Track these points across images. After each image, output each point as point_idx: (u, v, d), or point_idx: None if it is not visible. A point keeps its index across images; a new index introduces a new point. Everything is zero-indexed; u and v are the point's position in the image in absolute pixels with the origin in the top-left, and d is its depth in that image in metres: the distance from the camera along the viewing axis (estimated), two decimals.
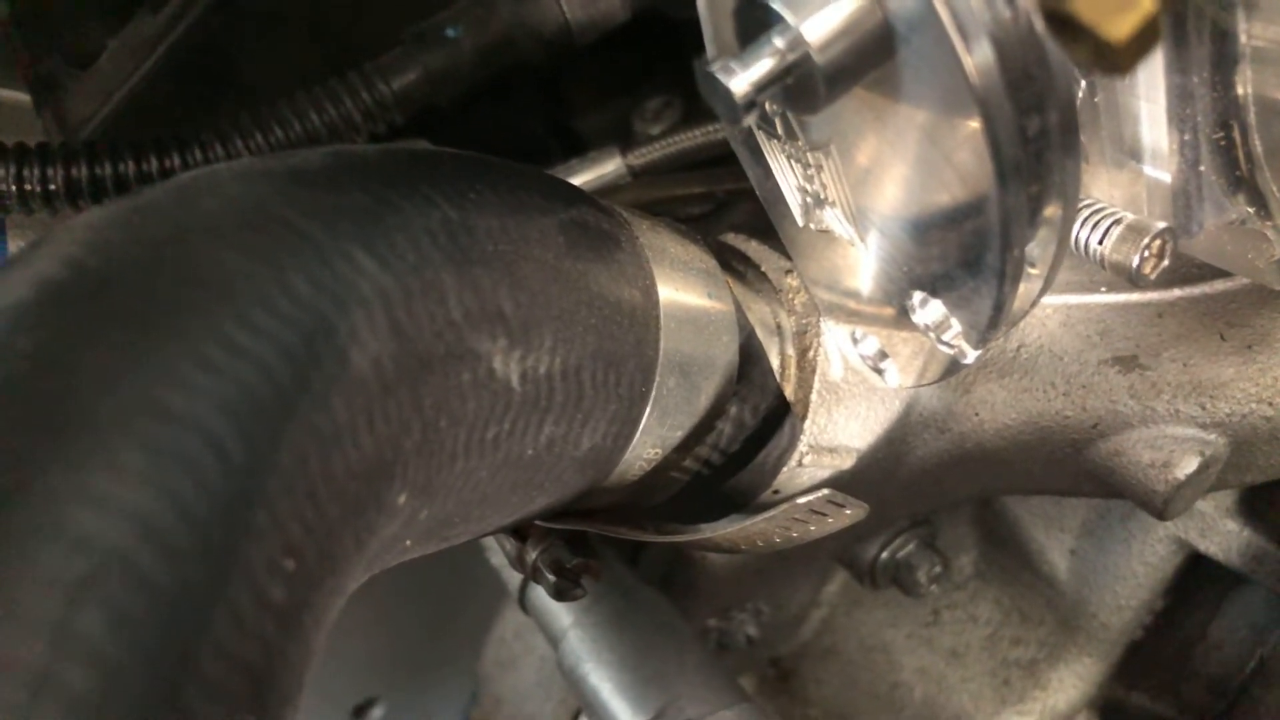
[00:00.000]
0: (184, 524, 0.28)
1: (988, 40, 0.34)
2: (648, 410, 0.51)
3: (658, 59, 0.97)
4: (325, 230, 0.36)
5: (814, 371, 0.59)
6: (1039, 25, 0.34)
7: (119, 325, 0.31)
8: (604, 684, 0.64)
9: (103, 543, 0.27)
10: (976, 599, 0.86)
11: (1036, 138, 0.39)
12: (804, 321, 0.60)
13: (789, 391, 0.59)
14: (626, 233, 0.52)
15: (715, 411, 0.55)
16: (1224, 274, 0.62)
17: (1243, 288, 0.63)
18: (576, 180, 0.87)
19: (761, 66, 0.36)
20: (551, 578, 0.55)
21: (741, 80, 0.36)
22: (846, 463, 0.62)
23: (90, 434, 0.29)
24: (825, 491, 0.50)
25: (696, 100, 0.95)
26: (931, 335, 0.49)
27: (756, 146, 0.53)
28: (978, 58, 0.34)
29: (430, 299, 0.39)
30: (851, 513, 0.51)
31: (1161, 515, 0.62)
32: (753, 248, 0.63)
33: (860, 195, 0.47)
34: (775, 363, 0.59)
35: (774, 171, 0.53)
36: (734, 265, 0.63)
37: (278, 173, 0.39)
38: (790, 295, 0.61)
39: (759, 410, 0.57)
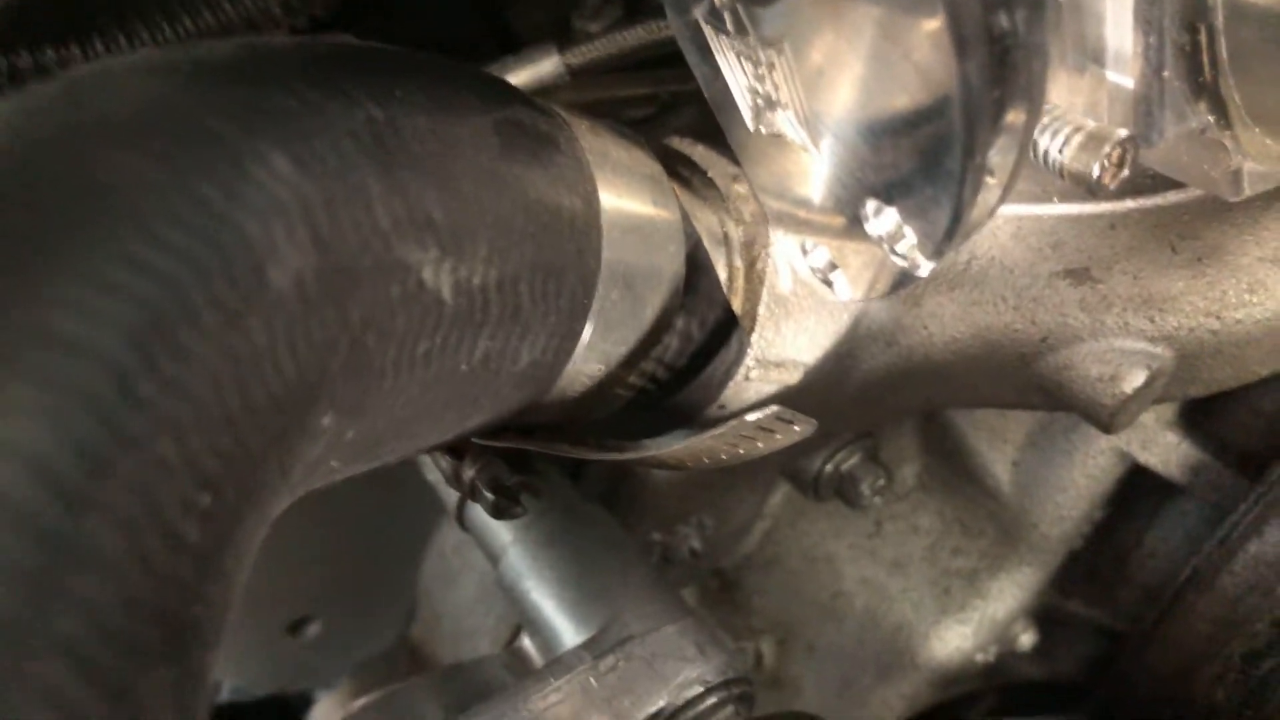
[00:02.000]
0: (82, 463, 0.26)
1: None
2: (589, 324, 0.49)
3: None
4: (237, 131, 0.33)
5: (762, 284, 0.57)
6: None
7: (4, 244, 0.28)
8: (546, 600, 0.63)
9: None
10: (918, 510, 0.86)
11: (1002, 36, 0.36)
12: (752, 231, 0.58)
13: (736, 304, 0.57)
14: (566, 134, 0.49)
15: (661, 325, 0.53)
16: (1176, 185, 0.61)
17: (1194, 199, 0.61)
18: (511, 78, 0.83)
19: None
20: (490, 496, 0.53)
21: None
22: (794, 377, 0.60)
23: None
24: (774, 409, 0.48)
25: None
26: (885, 246, 0.47)
27: (704, 44, 0.50)
28: None
29: (355, 206, 0.36)
30: (800, 429, 0.49)
31: (1108, 429, 0.61)
32: (699, 152, 0.60)
33: (814, 97, 0.45)
34: (722, 274, 0.57)
35: (723, 71, 0.50)
36: (679, 171, 0.60)
37: (181, 66, 0.35)
38: (738, 203, 0.58)
39: (706, 324, 0.55)
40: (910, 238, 0.46)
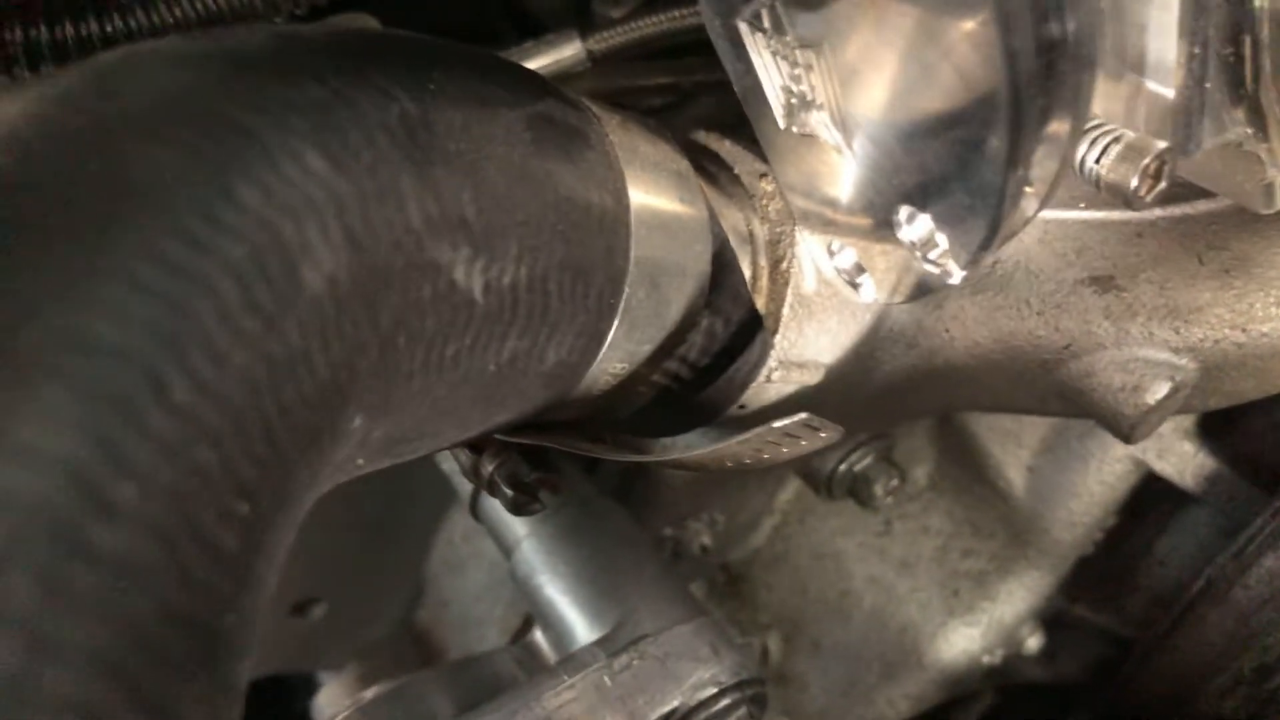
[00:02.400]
0: (120, 474, 0.25)
1: None
2: (616, 323, 0.48)
3: None
4: (272, 127, 0.32)
5: (786, 284, 0.57)
6: None
7: (39, 242, 0.27)
8: (559, 596, 0.62)
9: (27, 499, 0.24)
10: (929, 510, 0.86)
11: (1052, 46, 0.36)
12: (778, 230, 0.57)
13: (760, 304, 0.56)
14: (596, 129, 0.48)
15: (686, 325, 0.52)
16: (1205, 194, 0.60)
17: (1224, 209, 0.61)
18: (532, 64, 0.82)
19: None
20: (509, 492, 0.53)
21: None
22: (814, 378, 0.60)
23: (8, 372, 0.25)
24: (803, 416, 0.48)
25: None
26: (916, 253, 0.47)
27: (738, 39, 0.49)
28: None
29: (388, 205, 0.35)
30: (826, 435, 0.49)
31: (1128, 439, 0.61)
32: (726, 148, 0.60)
33: (850, 98, 0.44)
34: (747, 273, 0.56)
35: (756, 68, 0.49)
36: (705, 166, 0.59)
37: (213, 57, 0.35)
38: (764, 201, 0.58)
39: (730, 324, 0.55)
40: (943, 245, 0.45)
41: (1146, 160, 0.45)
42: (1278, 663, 0.66)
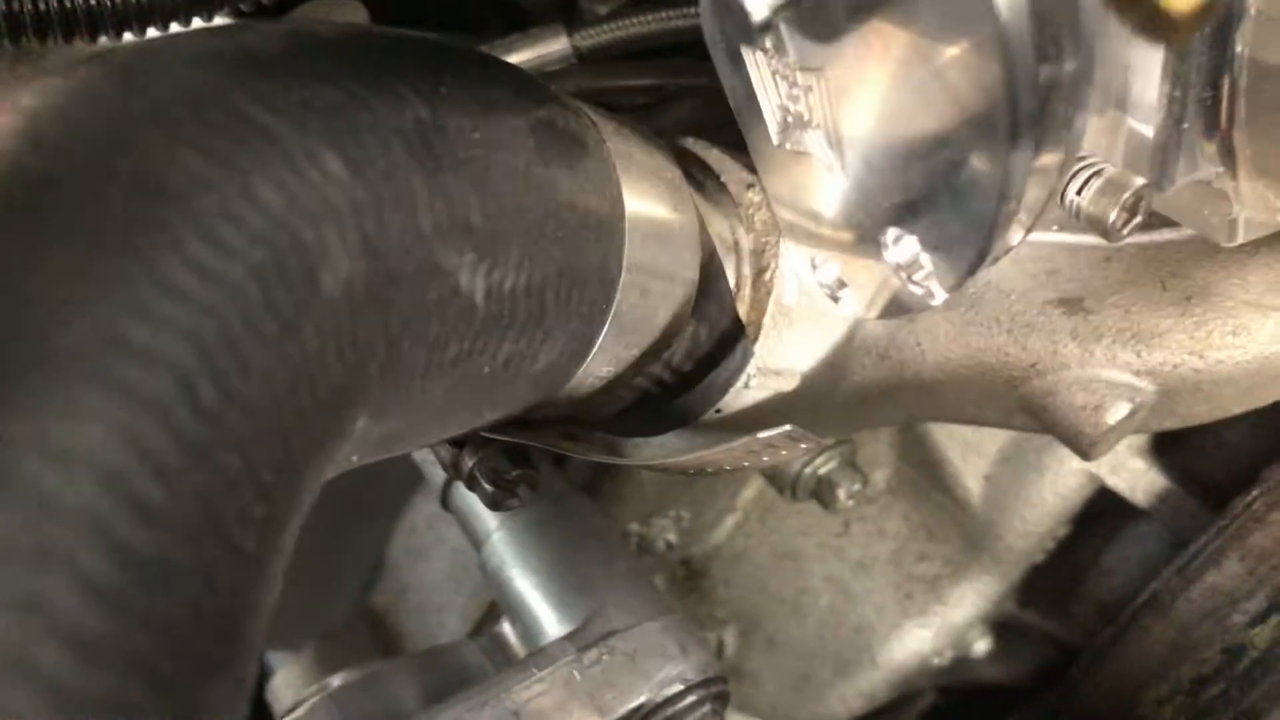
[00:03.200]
0: (153, 477, 0.25)
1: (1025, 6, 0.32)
2: (605, 327, 0.49)
3: None
4: (292, 129, 0.33)
5: (769, 294, 0.58)
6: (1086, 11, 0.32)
7: (70, 241, 0.27)
8: (529, 589, 0.63)
9: (67, 501, 0.24)
10: (886, 514, 0.88)
11: (1050, 86, 0.37)
12: (763, 240, 0.58)
13: (742, 312, 0.57)
14: (594, 136, 0.49)
15: (672, 330, 0.53)
16: (1171, 224, 0.62)
17: (1187, 239, 0.63)
18: (517, 58, 0.82)
19: None
20: (489, 487, 0.54)
21: (760, 1, 0.33)
22: (790, 385, 0.61)
23: (46, 375, 0.25)
24: (787, 428, 0.49)
25: None
26: (901, 274, 0.48)
27: (737, 53, 0.50)
28: (1011, 19, 0.33)
29: (401, 210, 0.36)
30: (806, 446, 0.50)
31: (1086, 456, 0.63)
32: (714, 156, 0.61)
33: (848, 121, 0.45)
34: (731, 281, 0.58)
35: (754, 84, 0.50)
36: (694, 173, 0.60)
37: (233, 56, 0.35)
38: (750, 211, 0.59)
39: (713, 331, 0.56)
40: (928, 268, 0.47)
41: (1125, 195, 0.46)
42: (1214, 674, 0.69)
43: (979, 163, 0.40)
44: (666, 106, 0.87)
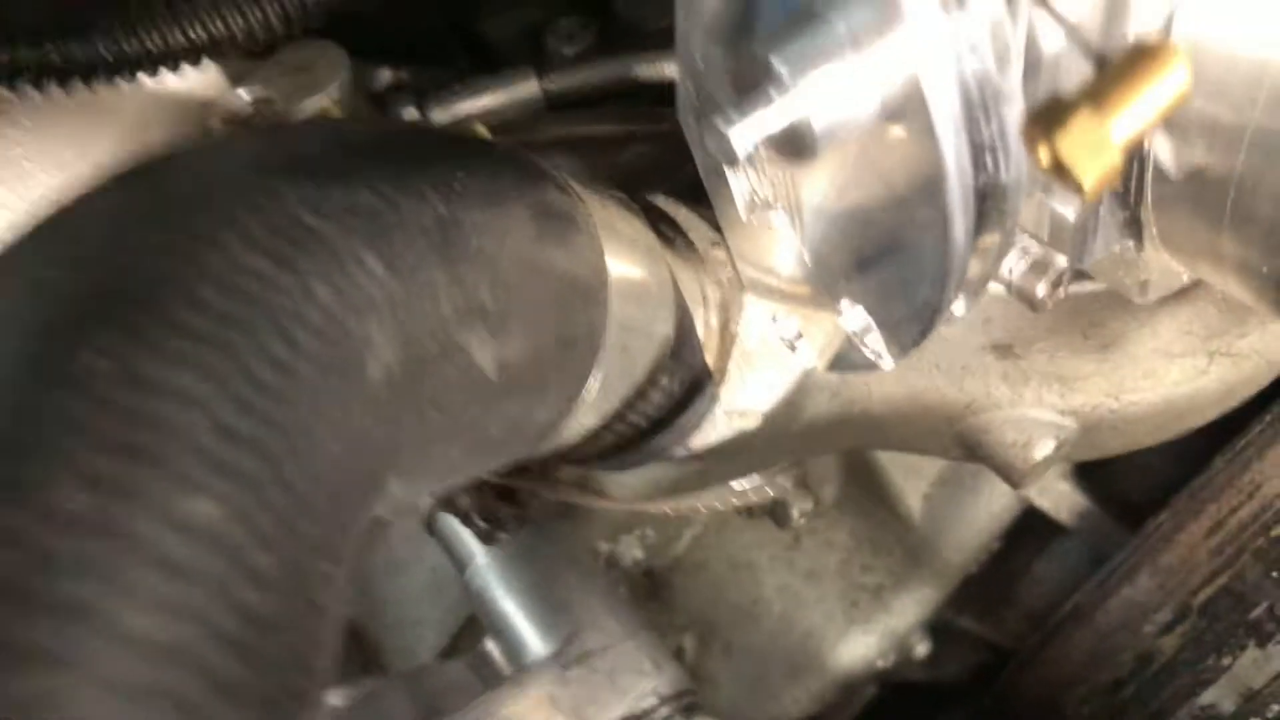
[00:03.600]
0: (260, 545, 0.29)
1: (965, 137, 0.38)
2: (592, 385, 0.55)
3: None
4: (338, 232, 0.37)
5: (733, 342, 0.64)
6: (1015, 140, 0.38)
7: (175, 338, 0.32)
8: (513, 610, 0.68)
9: (198, 568, 0.29)
10: (834, 527, 0.95)
11: (987, 194, 0.43)
12: (728, 294, 0.64)
13: (710, 360, 0.63)
14: (582, 212, 0.54)
15: (649, 381, 0.59)
16: (1090, 276, 0.70)
17: (1105, 291, 0.70)
18: (490, 99, 0.86)
19: (762, 120, 0.39)
20: (483, 525, 0.59)
21: (743, 133, 0.39)
22: (752, 424, 0.67)
23: (149, 465, 0.29)
24: (759, 482, 0.55)
25: (609, 22, 0.95)
26: (855, 338, 0.54)
27: (697, 122, 0.56)
28: (952, 149, 0.39)
29: (426, 299, 0.41)
30: (772, 493, 0.56)
31: (1017, 486, 0.70)
32: (683, 215, 0.66)
33: (810, 209, 0.51)
34: (700, 332, 0.63)
35: (723, 168, 0.56)
36: (664, 231, 0.66)
37: (280, 161, 0.39)
38: (716, 267, 0.65)
39: (685, 379, 0.61)
40: (877, 337, 0.53)
41: (1051, 274, 0.53)
42: (1128, 677, 0.77)
43: (924, 250, 0.46)
44: (629, 145, 0.92)
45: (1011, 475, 0.70)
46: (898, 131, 0.41)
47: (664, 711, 0.63)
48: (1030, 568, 0.91)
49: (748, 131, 0.39)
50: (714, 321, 0.64)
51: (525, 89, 0.86)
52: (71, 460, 0.29)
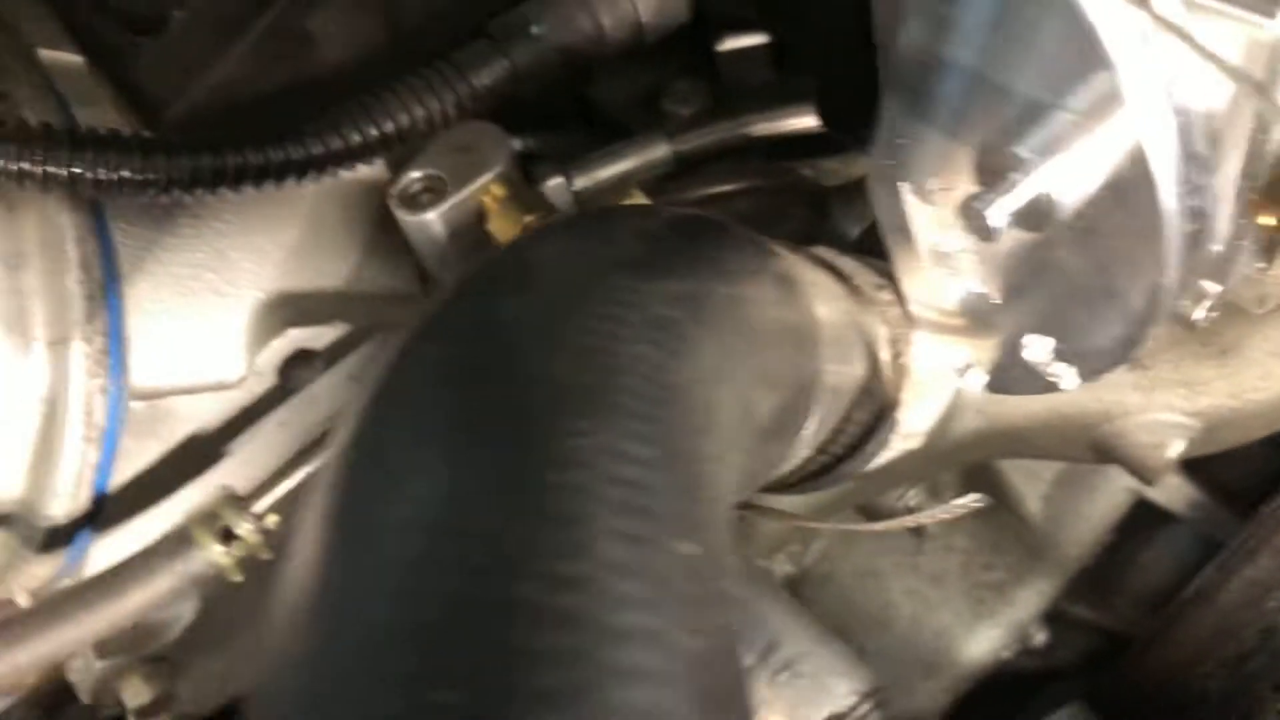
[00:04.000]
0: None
1: (1182, 198, 0.46)
2: (811, 423, 0.62)
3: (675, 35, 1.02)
4: (689, 319, 0.45)
5: (905, 375, 0.72)
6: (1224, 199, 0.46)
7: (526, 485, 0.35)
8: None
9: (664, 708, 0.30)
10: (953, 532, 1.03)
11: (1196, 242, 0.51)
12: (898, 331, 0.72)
13: (888, 393, 0.71)
14: (795, 272, 0.62)
15: (846, 418, 0.67)
16: None
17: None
18: (625, 165, 0.94)
19: (1011, 201, 0.47)
20: None
21: (997, 214, 0.47)
22: (916, 444, 0.75)
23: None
24: (974, 499, 0.63)
25: (718, 82, 1.03)
26: (1038, 369, 0.62)
27: (894, 193, 0.63)
28: (1173, 209, 0.47)
29: (736, 365, 0.48)
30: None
31: (1150, 483, 0.78)
32: (846, 263, 0.74)
33: (1013, 264, 0.59)
34: (877, 366, 0.71)
35: (909, 221, 0.63)
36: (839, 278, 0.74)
37: (624, 258, 0.46)
38: (885, 308, 0.72)
39: (873, 411, 0.69)
40: (1064, 363, 0.61)
41: (1206, 301, 0.61)
42: (1253, 651, 0.85)
43: (1132, 294, 0.53)
44: (734, 199, 1.00)
45: (1145, 474, 0.78)
46: (1120, 194, 0.49)
47: (864, 708, 0.71)
48: (1139, 555, 0.99)
49: (1000, 212, 0.47)
50: (887, 356, 0.72)
51: (657, 151, 0.93)
52: None
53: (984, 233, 0.47)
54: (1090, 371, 0.59)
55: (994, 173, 0.48)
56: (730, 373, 0.47)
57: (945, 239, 0.61)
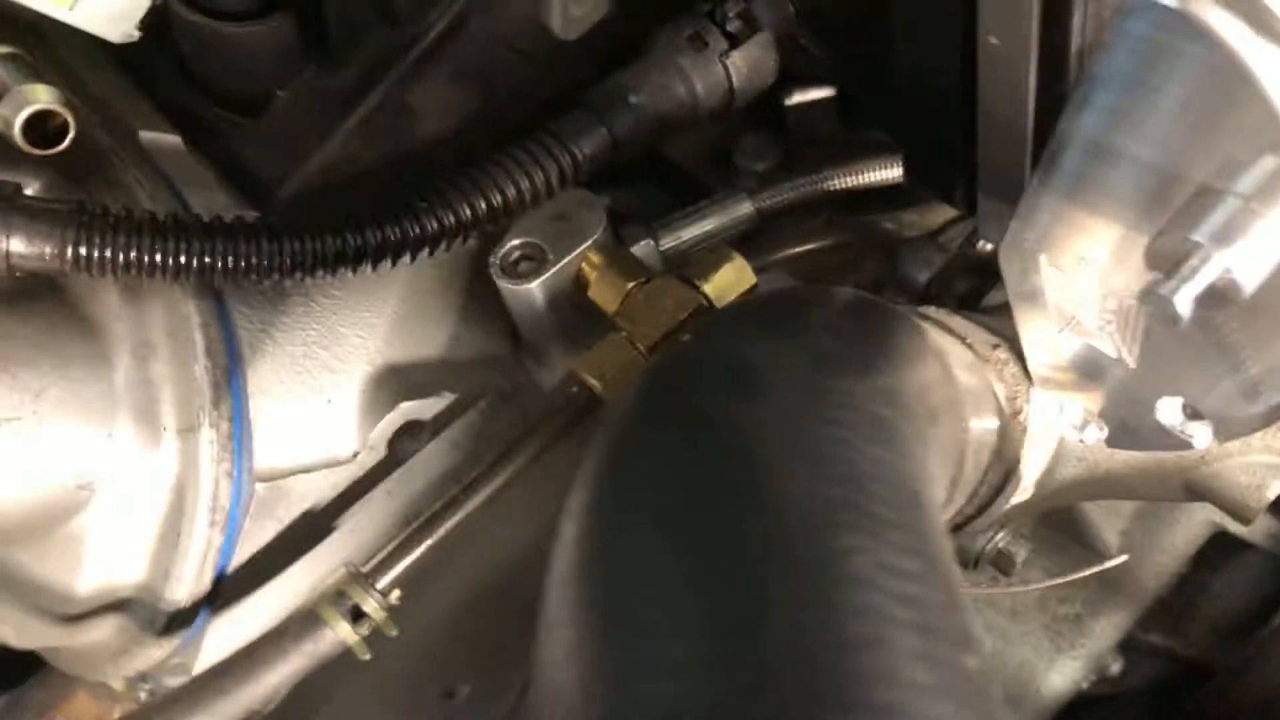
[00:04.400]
0: None
1: None
2: (959, 488, 0.65)
3: None
4: (901, 420, 0.47)
5: (1024, 431, 0.74)
6: None
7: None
8: None
9: None
10: (1028, 567, 1.05)
11: None
12: (1014, 388, 0.74)
13: (1013, 450, 0.73)
14: (938, 342, 0.64)
15: (981, 478, 0.69)
16: None
17: None
18: (709, 225, 0.95)
19: (1200, 284, 0.49)
20: None
21: (1184, 299, 0.49)
22: (1028, 495, 0.78)
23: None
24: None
25: (786, 135, 1.04)
26: (1173, 431, 0.65)
27: (1033, 261, 0.65)
28: None
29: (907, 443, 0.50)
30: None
31: (1247, 522, 0.81)
32: (958, 323, 0.76)
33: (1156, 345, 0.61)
34: (995, 423, 0.73)
35: (1043, 290, 0.66)
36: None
37: (830, 367, 0.48)
38: (1000, 366, 0.75)
39: (1003, 471, 0.71)
40: (1197, 424, 0.64)
41: None
42: None
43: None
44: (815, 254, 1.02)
45: (1242, 514, 0.81)
46: None
47: None
48: (1211, 583, 1.02)
49: (1185, 299, 0.49)
50: (1006, 412, 0.74)
51: (741, 210, 0.95)
52: None
53: (1172, 320, 0.49)
54: (1230, 433, 0.62)
55: (1167, 257, 0.50)
56: (934, 464, 0.49)
57: (1081, 308, 0.64)
